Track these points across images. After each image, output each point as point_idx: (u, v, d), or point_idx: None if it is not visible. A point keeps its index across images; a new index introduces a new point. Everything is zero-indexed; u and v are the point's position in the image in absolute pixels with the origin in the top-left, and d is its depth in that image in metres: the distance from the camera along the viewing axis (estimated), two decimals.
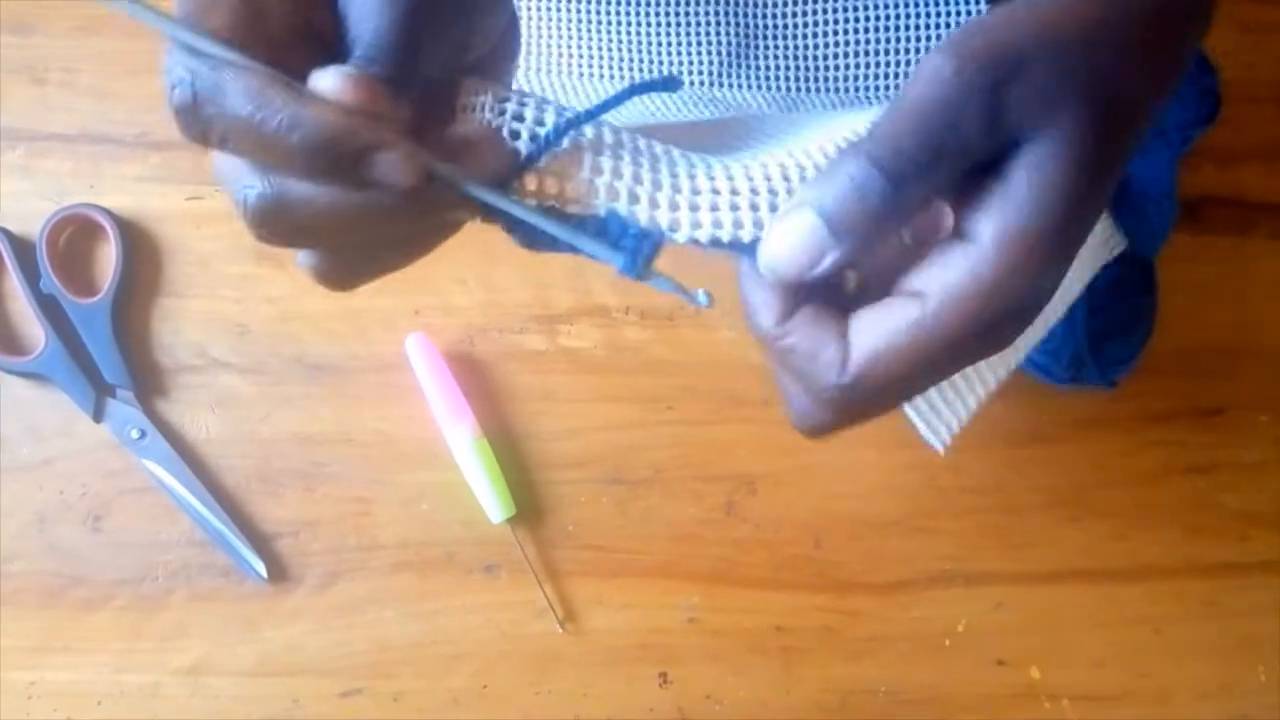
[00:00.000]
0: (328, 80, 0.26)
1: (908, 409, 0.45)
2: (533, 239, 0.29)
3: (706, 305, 0.29)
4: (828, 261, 0.27)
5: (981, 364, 0.45)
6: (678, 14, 0.46)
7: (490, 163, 0.28)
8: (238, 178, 0.27)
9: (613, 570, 0.51)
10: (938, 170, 0.27)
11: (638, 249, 0.29)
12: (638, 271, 0.29)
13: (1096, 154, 0.27)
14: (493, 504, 0.50)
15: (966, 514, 0.53)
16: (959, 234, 0.28)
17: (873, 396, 0.29)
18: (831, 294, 0.29)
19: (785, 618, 0.51)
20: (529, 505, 0.51)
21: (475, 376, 0.52)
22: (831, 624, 0.52)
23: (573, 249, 0.29)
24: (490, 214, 0.28)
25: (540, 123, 0.28)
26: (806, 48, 0.46)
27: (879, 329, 0.28)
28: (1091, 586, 0.53)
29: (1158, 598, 0.53)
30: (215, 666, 0.49)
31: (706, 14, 0.46)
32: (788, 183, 0.29)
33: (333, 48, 0.27)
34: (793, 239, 0.27)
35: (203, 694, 0.49)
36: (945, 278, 0.27)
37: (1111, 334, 0.50)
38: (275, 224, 0.27)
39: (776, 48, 0.46)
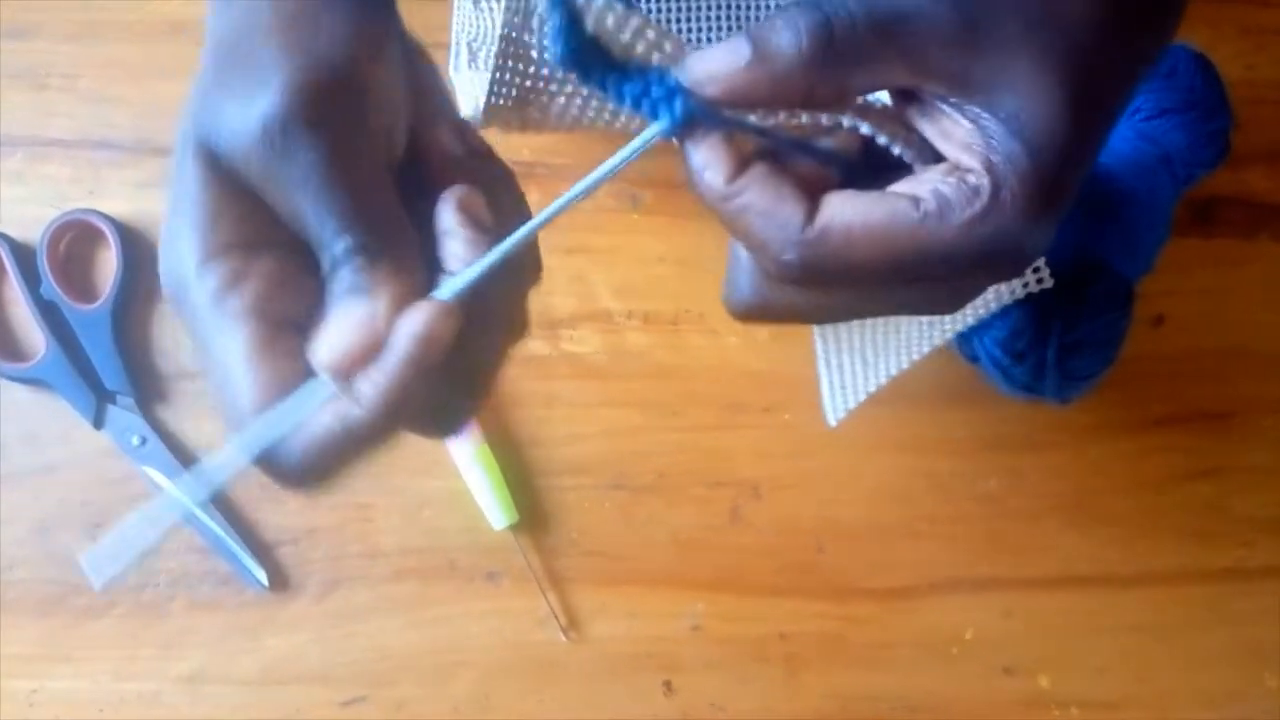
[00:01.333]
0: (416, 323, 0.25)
1: (820, 365, 0.45)
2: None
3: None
4: (749, 75, 0.26)
5: (898, 342, 0.45)
6: None
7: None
8: None
9: (616, 578, 0.51)
10: (878, 46, 0.26)
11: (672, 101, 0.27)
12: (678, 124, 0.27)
13: (1078, 110, 0.27)
14: (495, 511, 0.50)
15: (972, 519, 0.52)
16: (954, 164, 0.27)
17: (827, 272, 0.27)
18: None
19: (790, 625, 0.51)
20: (531, 512, 0.51)
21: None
22: (836, 631, 0.51)
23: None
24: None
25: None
26: None
27: (859, 207, 0.27)
28: (1097, 593, 0.52)
29: (1163, 604, 0.52)
30: (216, 675, 0.49)
31: None
32: None
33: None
34: (717, 56, 0.27)
35: (204, 703, 0.49)
36: (944, 191, 0.27)
37: (1081, 348, 0.49)
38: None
39: None
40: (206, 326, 0.26)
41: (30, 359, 0.51)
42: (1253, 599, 0.53)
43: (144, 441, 0.50)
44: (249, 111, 0.25)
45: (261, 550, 0.50)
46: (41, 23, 0.54)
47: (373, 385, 0.25)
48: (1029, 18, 0.26)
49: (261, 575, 0.49)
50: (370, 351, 0.25)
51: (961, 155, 0.27)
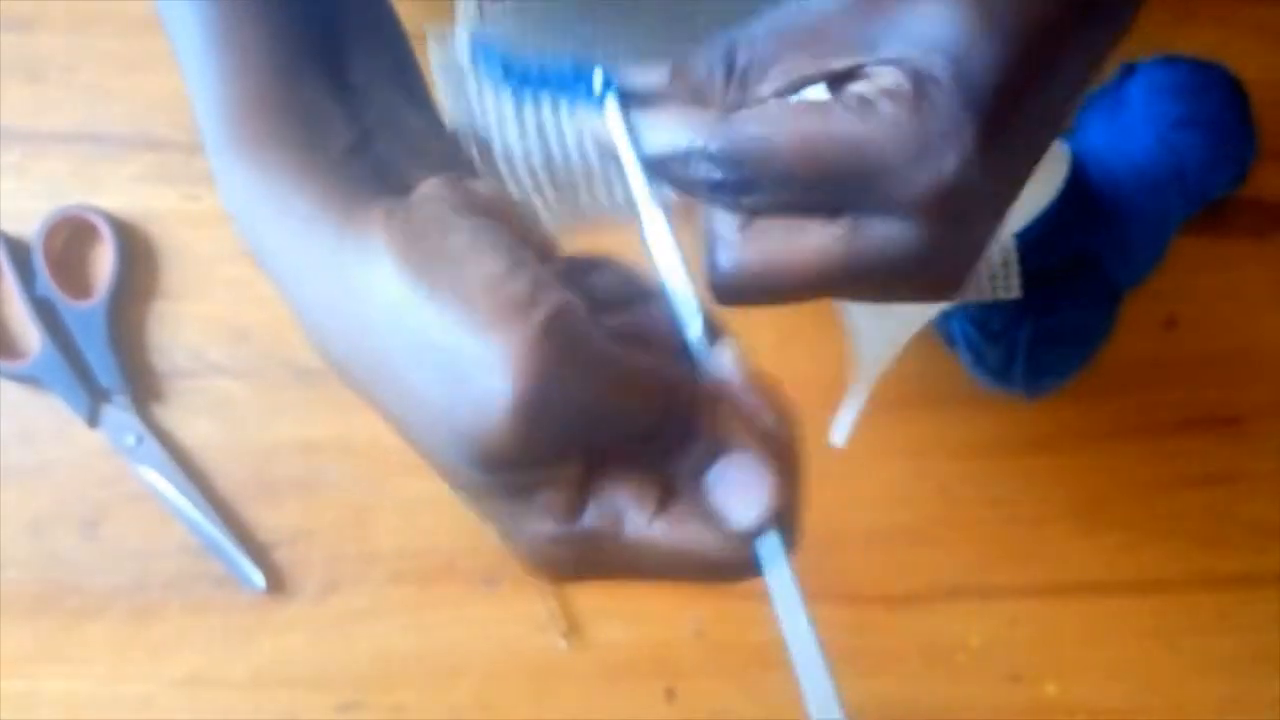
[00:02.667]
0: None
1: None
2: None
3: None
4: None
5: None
6: None
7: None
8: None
9: (617, 582, 0.50)
10: (783, 54, 0.27)
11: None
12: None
13: (1000, 17, 0.26)
14: None
15: (978, 525, 0.52)
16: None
17: (754, 155, 0.27)
18: None
19: None
20: None
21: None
22: (841, 638, 0.50)
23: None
24: None
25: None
26: None
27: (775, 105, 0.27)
28: (1105, 600, 0.52)
29: (1171, 611, 0.52)
30: (211, 678, 0.49)
31: None
32: None
33: None
34: (645, 71, 0.28)
35: (198, 705, 0.49)
36: (860, 93, 0.26)
37: (1054, 340, 0.49)
38: None
39: None
40: None
41: (25, 357, 0.50)
42: (1262, 606, 0.52)
43: (139, 440, 0.50)
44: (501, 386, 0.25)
45: (258, 552, 0.50)
46: (39, 16, 0.53)
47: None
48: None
49: (258, 577, 0.49)
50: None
51: (880, 83, 0.26)
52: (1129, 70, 0.52)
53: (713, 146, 0.27)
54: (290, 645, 0.49)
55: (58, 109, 0.53)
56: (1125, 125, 0.51)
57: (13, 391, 0.50)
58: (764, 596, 0.50)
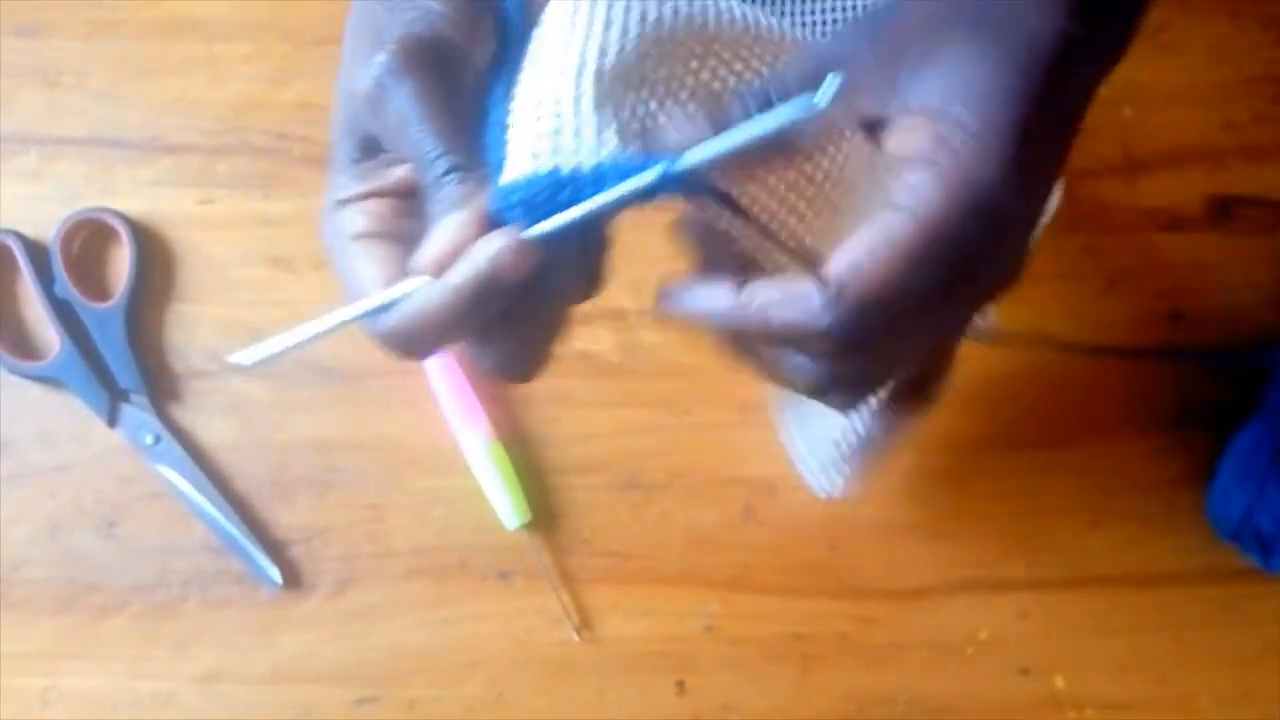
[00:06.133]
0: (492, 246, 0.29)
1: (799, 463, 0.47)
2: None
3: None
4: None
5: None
6: None
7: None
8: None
9: (629, 577, 0.51)
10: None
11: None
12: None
13: (1009, 55, 0.28)
14: (507, 510, 0.50)
15: (987, 519, 0.52)
16: (909, 158, 0.28)
17: (868, 314, 0.28)
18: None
19: (803, 625, 0.51)
20: (544, 511, 0.51)
21: (489, 380, 0.52)
22: (850, 631, 0.51)
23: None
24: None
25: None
26: None
27: (854, 244, 0.28)
28: (1114, 593, 0.52)
29: (1181, 604, 0.52)
30: (229, 674, 0.49)
31: None
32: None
33: None
34: (688, 127, 0.30)
35: (216, 701, 0.49)
36: (910, 180, 0.28)
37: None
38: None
39: None
40: (345, 246, 0.32)
41: (44, 357, 0.51)
42: (1269, 600, 0.52)
43: (157, 440, 0.50)
44: (367, 71, 0.31)
45: (275, 549, 0.50)
46: (52, 21, 0.54)
47: (447, 285, 0.29)
48: (932, 22, 0.29)
49: (275, 574, 0.49)
50: (455, 257, 0.30)
51: (916, 145, 0.28)
52: None
53: (826, 322, 0.28)
54: (307, 641, 0.50)
55: (72, 114, 0.53)
56: None
57: (32, 391, 0.51)
58: (773, 591, 0.51)
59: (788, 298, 0.29)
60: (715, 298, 0.31)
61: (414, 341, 0.31)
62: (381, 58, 0.31)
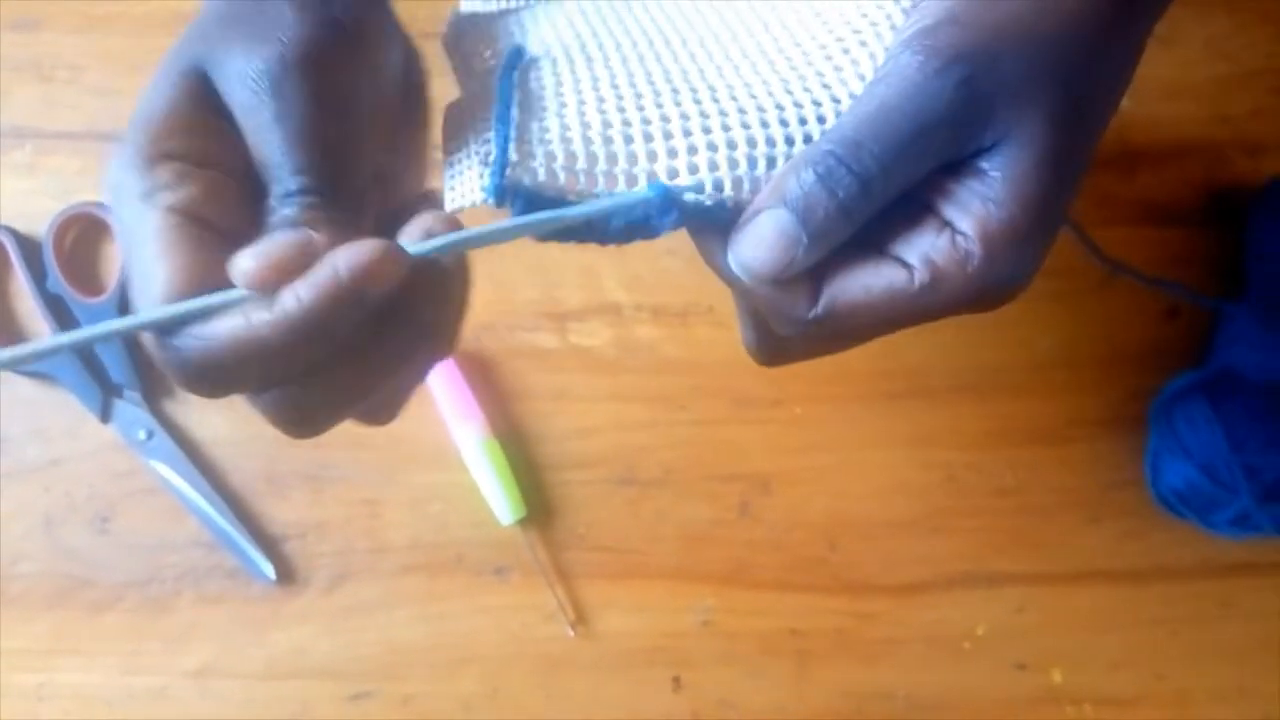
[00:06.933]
0: (246, 264, 0.25)
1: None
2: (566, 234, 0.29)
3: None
4: (800, 258, 0.28)
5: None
6: None
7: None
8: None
9: (624, 572, 0.51)
10: (907, 169, 0.28)
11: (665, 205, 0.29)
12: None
13: (1068, 145, 0.28)
14: (502, 505, 0.50)
15: (983, 514, 0.52)
16: (946, 221, 0.28)
17: (837, 338, 0.30)
18: None
19: (800, 620, 0.51)
20: (539, 506, 0.51)
21: (484, 375, 0.52)
22: (847, 627, 0.51)
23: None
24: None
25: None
26: None
27: (859, 283, 0.29)
28: (1111, 588, 0.52)
29: (1175, 599, 0.52)
30: (223, 669, 0.49)
31: None
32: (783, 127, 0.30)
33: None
34: (767, 241, 0.28)
35: (211, 697, 0.49)
36: (935, 258, 0.28)
37: None
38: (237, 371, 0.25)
39: None
40: (132, 213, 0.26)
41: None
42: (1264, 595, 0.52)
43: (150, 435, 0.50)
44: (256, 52, 0.27)
45: (268, 544, 0.50)
46: (47, 16, 0.54)
47: (294, 296, 0.24)
48: (1019, 77, 0.28)
49: (269, 569, 0.49)
50: (299, 268, 0.24)
51: (957, 216, 0.28)
52: None
53: (796, 332, 0.30)
54: (302, 636, 0.49)
55: (66, 109, 0.53)
56: None
57: (25, 387, 0.51)
58: (770, 586, 0.51)
59: (779, 298, 0.29)
60: (719, 254, 0.30)
61: (222, 373, 0.25)
62: (277, 48, 0.27)
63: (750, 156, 0.29)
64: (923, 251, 0.28)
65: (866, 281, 0.28)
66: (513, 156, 0.28)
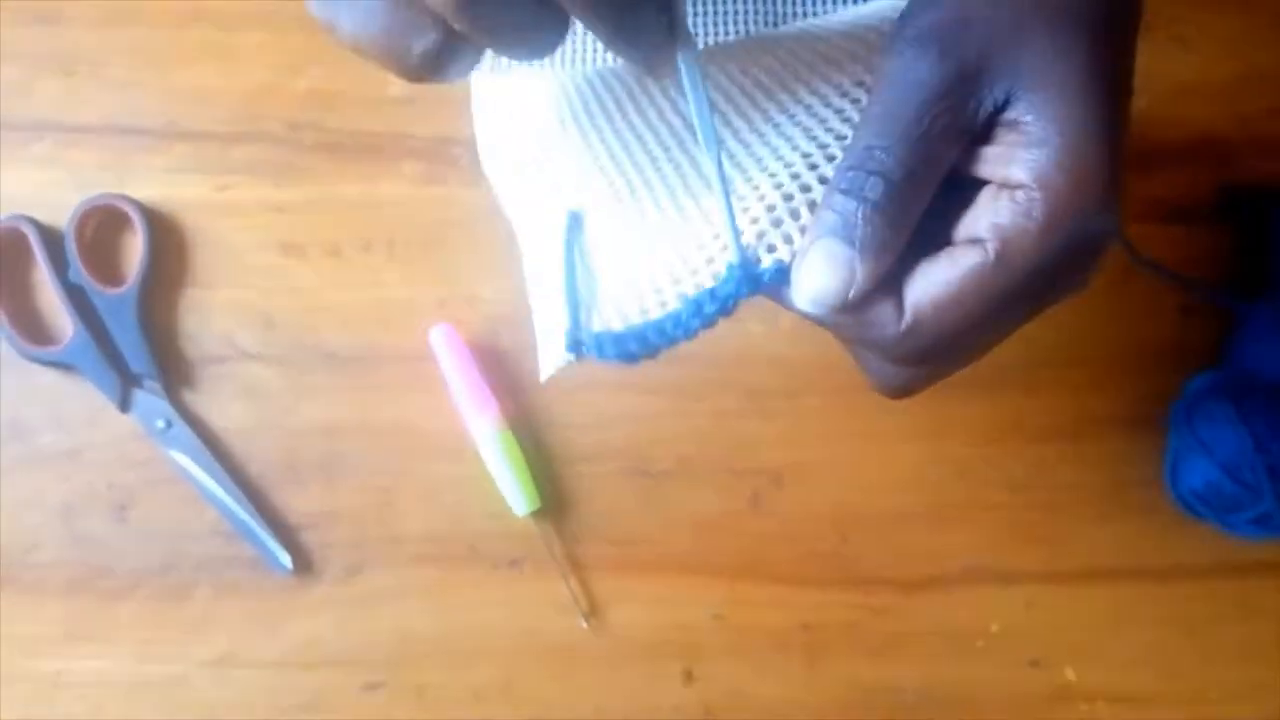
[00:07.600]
0: None
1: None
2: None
3: None
4: (861, 277, 0.28)
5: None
6: None
7: None
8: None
9: (637, 565, 0.51)
10: (924, 154, 0.28)
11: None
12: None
13: (1085, 60, 0.28)
14: (517, 496, 0.50)
15: (996, 510, 0.52)
16: (1001, 184, 0.28)
17: (940, 344, 0.29)
18: None
19: (811, 614, 0.51)
20: (553, 498, 0.51)
21: (500, 367, 0.52)
22: (859, 621, 0.51)
23: None
24: None
25: None
26: None
27: (938, 279, 0.28)
28: (1125, 585, 0.52)
29: (1192, 597, 0.52)
30: (239, 658, 0.49)
31: None
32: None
33: None
34: (818, 269, 0.28)
35: (227, 685, 0.49)
36: (1000, 221, 0.27)
37: None
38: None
39: None
40: None
41: (57, 343, 0.51)
42: (1279, 593, 0.52)
43: (169, 425, 0.50)
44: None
45: (285, 534, 0.50)
46: (68, 9, 0.54)
47: None
48: (1000, 26, 0.28)
49: (285, 559, 0.50)
50: None
51: (1007, 172, 0.28)
52: None
53: (897, 352, 0.30)
54: (317, 626, 0.50)
55: (88, 101, 0.53)
56: None
57: (45, 376, 0.51)
58: (781, 579, 0.51)
59: (866, 320, 0.29)
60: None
61: None
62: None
63: (791, 209, 0.30)
64: (988, 222, 0.28)
65: (944, 276, 0.28)
66: (583, 321, 0.32)
